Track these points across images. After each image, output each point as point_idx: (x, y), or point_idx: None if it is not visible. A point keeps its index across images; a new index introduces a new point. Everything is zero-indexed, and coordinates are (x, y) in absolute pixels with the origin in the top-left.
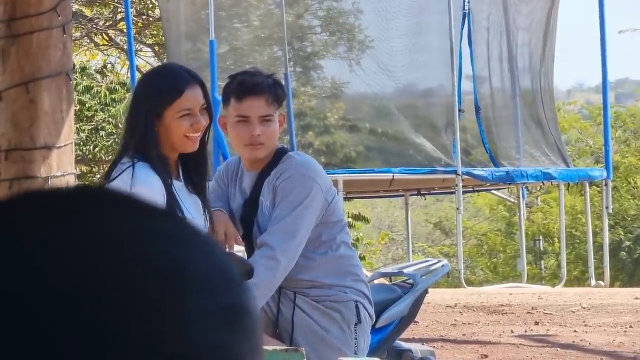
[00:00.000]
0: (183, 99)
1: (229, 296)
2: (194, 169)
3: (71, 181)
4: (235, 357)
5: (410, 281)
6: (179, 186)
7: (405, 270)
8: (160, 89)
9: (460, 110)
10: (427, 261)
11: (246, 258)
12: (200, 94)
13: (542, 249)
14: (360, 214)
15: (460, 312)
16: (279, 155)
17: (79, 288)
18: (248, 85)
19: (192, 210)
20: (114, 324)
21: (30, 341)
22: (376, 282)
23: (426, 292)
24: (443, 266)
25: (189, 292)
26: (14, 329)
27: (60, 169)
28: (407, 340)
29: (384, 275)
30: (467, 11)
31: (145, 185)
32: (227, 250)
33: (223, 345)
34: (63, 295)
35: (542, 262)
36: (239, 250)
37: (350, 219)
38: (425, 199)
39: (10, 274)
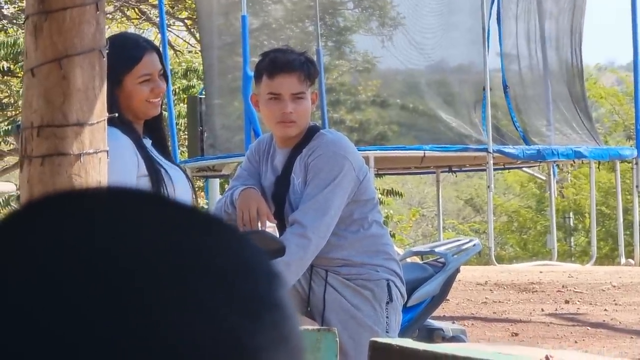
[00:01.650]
0: (142, 64)
1: (251, 286)
2: (156, 133)
3: (103, 158)
4: (256, 347)
5: (442, 260)
6: (148, 144)
7: (436, 249)
8: (118, 55)
9: (489, 88)
10: (459, 240)
11: (277, 235)
12: (157, 59)
13: (572, 225)
14: (393, 189)
15: (491, 290)
16: (311, 132)
17: (97, 278)
18: (280, 62)
19: (172, 170)
20: (134, 314)
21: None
22: (408, 260)
23: (457, 270)
24: (474, 245)
25: (209, 281)
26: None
27: (93, 145)
28: (438, 318)
29: (416, 253)
30: None
31: (113, 140)
32: (259, 227)
33: (243, 336)
34: (88, 284)
35: (572, 238)
36: (270, 227)
37: (381, 195)
38: (456, 176)
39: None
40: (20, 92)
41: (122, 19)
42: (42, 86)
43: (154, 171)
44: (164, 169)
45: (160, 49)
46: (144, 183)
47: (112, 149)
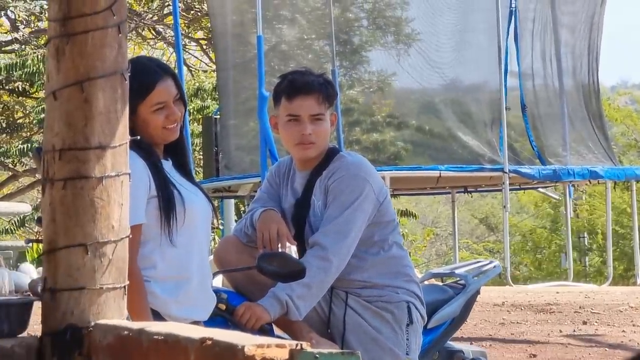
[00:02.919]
0: (154, 93)
1: None
2: (176, 155)
3: (125, 181)
4: None
5: (462, 282)
6: (168, 166)
7: (456, 271)
8: (130, 84)
9: (506, 108)
10: (479, 262)
11: (297, 258)
12: (171, 85)
13: (586, 245)
14: (407, 210)
15: (508, 311)
16: (330, 154)
17: None
18: (298, 84)
19: (190, 190)
20: None
21: None
22: (427, 282)
23: (478, 292)
24: (495, 267)
25: None
26: None
27: (115, 168)
28: (456, 339)
29: (435, 275)
30: (514, 8)
31: None
32: (279, 248)
33: None
34: None
35: (587, 258)
36: (287, 247)
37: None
38: (472, 196)
39: None
40: (35, 112)
41: (138, 40)
42: (63, 109)
43: (166, 193)
44: (178, 190)
45: (176, 70)
46: (154, 204)
47: None
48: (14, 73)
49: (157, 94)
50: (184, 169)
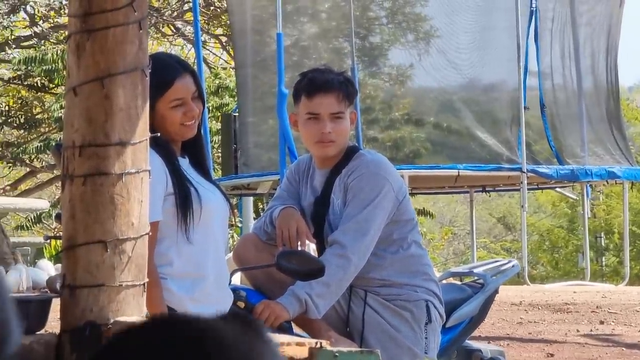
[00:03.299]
0: (173, 89)
1: None
2: (194, 152)
3: (145, 178)
4: None
5: (480, 281)
6: (185, 164)
7: (475, 270)
8: (149, 81)
9: (525, 108)
10: (497, 261)
11: (317, 256)
12: (190, 82)
13: (603, 244)
14: (424, 209)
15: (526, 310)
16: (350, 153)
17: None
18: (318, 82)
19: (207, 188)
20: None
21: None
22: (446, 281)
23: (496, 292)
24: (513, 266)
25: None
26: None
27: (135, 165)
28: (474, 339)
29: (454, 274)
30: (534, 8)
31: None
32: (299, 246)
33: None
34: None
35: (603, 258)
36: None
37: None
38: (489, 195)
39: None
40: (53, 108)
41: (157, 35)
42: (84, 105)
43: (183, 190)
44: (195, 188)
45: (196, 67)
46: (171, 201)
47: None
48: (33, 68)
49: (176, 90)
50: (201, 167)
